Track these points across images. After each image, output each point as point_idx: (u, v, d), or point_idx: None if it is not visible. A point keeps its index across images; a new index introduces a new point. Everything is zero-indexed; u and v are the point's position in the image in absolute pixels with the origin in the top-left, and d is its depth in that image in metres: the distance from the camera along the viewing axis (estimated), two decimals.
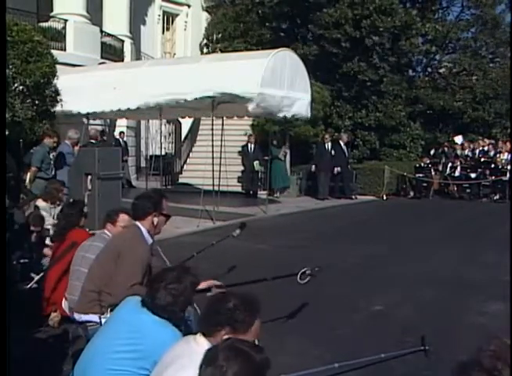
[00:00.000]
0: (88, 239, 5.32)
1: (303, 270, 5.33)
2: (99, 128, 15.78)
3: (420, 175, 18.61)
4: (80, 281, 4.73)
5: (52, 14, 17.56)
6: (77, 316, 4.49)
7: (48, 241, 6.89)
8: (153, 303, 3.07)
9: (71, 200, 7.36)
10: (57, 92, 9.44)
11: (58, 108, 9.89)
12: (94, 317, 4.26)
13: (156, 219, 4.27)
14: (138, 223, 4.29)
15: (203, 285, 4.13)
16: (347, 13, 19.52)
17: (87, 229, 6.36)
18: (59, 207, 7.34)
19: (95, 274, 4.33)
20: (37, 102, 8.97)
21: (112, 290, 4.03)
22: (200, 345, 2.59)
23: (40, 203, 7.79)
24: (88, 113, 13.73)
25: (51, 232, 6.90)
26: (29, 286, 5.93)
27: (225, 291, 4.34)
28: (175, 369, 2.52)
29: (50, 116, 9.61)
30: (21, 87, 8.68)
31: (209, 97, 12.05)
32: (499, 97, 22.23)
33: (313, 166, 17.71)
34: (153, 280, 3.20)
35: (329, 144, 17.75)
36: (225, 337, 2.53)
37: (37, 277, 5.95)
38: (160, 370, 2.64)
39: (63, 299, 5.22)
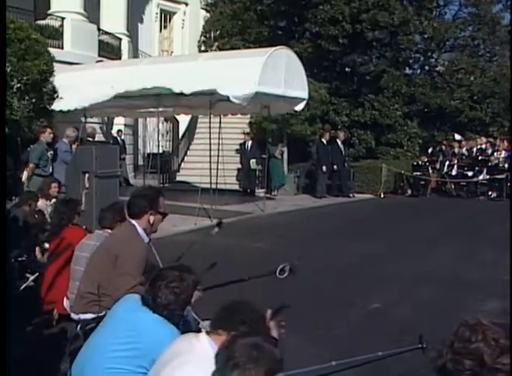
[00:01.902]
0: (89, 237, 5.28)
1: (281, 267, 5.13)
2: (97, 126, 15.74)
3: (418, 173, 18.61)
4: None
5: (49, 12, 17.50)
6: (75, 316, 4.48)
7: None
8: (155, 302, 3.07)
9: (65, 198, 7.35)
10: (54, 90, 9.41)
11: (55, 105, 9.88)
12: (92, 316, 4.24)
13: (152, 218, 4.15)
14: (133, 222, 4.19)
15: None
16: (345, 10, 19.53)
17: (84, 227, 6.36)
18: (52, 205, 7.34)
19: (93, 275, 4.27)
20: (34, 100, 8.95)
21: (112, 293, 3.98)
22: (201, 342, 2.59)
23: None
24: (85, 109, 13.64)
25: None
26: (25, 285, 5.93)
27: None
28: (174, 366, 2.52)
29: (48, 114, 9.59)
30: (18, 85, 8.65)
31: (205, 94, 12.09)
32: (497, 96, 22.24)
33: (322, 166, 17.52)
34: (154, 279, 3.17)
35: (327, 142, 17.76)
36: None
37: (32, 277, 5.93)
38: (159, 368, 2.63)
39: (65, 298, 5.20)
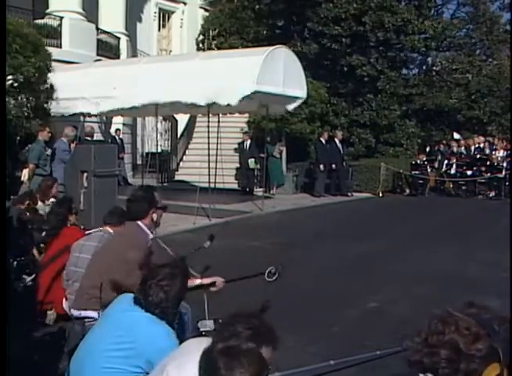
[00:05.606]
0: (89, 239, 5.25)
1: (269, 270, 5.05)
2: (95, 125, 15.72)
3: (416, 172, 18.62)
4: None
5: (47, 11, 17.49)
6: (76, 312, 4.47)
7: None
8: (146, 300, 3.05)
9: (59, 198, 7.34)
10: (52, 88, 9.36)
11: (54, 105, 9.83)
12: (93, 313, 4.24)
13: (155, 215, 4.33)
14: (137, 222, 4.29)
15: (207, 280, 4.20)
16: (349, 8, 19.52)
17: (81, 227, 6.34)
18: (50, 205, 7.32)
19: (97, 274, 4.22)
20: (30, 98, 8.90)
21: None
22: None
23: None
24: (84, 114, 13.70)
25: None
26: (23, 285, 5.91)
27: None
28: (180, 363, 2.48)
29: (45, 113, 9.54)
30: (15, 84, 8.61)
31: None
32: (495, 95, 22.22)
33: (321, 165, 17.47)
34: (144, 278, 3.16)
35: (326, 141, 17.76)
36: None
37: (29, 279, 5.91)
38: (166, 362, 2.58)
39: (64, 299, 5.18)
